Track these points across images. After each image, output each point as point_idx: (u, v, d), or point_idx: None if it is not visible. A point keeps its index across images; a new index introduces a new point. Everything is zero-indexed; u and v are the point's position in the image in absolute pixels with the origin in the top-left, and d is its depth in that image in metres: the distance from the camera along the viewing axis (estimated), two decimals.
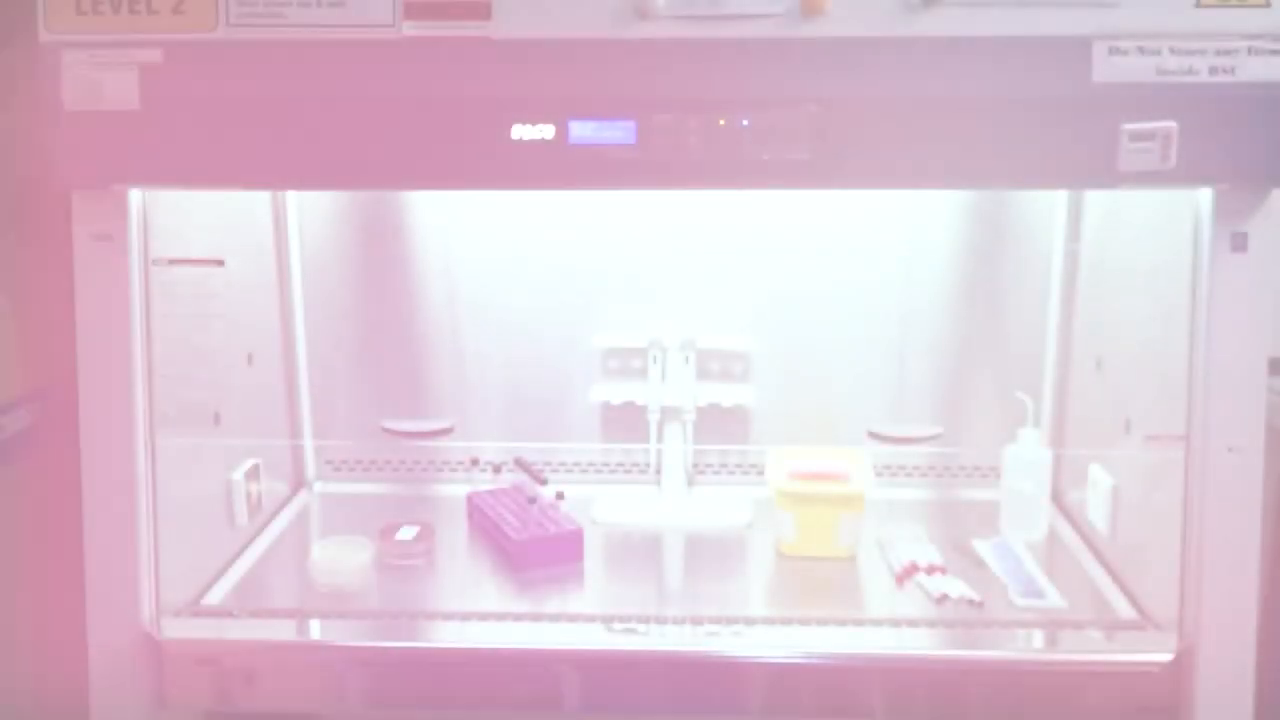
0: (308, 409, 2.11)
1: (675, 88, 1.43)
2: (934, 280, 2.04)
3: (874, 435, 2.07)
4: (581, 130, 1.43)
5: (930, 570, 1.76)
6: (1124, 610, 1.67)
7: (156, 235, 1.55)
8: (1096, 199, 1.92)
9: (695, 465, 2.09)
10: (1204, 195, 1.48)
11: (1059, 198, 1.98)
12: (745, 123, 1.43)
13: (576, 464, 2.11)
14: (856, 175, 1.48)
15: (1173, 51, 1.39)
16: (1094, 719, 1.54)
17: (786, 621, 1.63)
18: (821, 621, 1.63)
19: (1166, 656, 1.53)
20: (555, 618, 1.66)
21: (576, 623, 1.64)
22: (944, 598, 1.69)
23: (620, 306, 2.05)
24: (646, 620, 1.65)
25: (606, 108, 1.43)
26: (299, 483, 2.14)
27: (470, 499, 1.98)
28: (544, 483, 1.84)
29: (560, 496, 1.85)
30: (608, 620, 1.64)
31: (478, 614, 1.66)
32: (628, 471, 2.11)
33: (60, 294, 1.56)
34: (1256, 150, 1.42)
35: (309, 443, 2.13)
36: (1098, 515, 1.82)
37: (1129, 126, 1.40)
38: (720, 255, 2.03)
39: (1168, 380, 1.57)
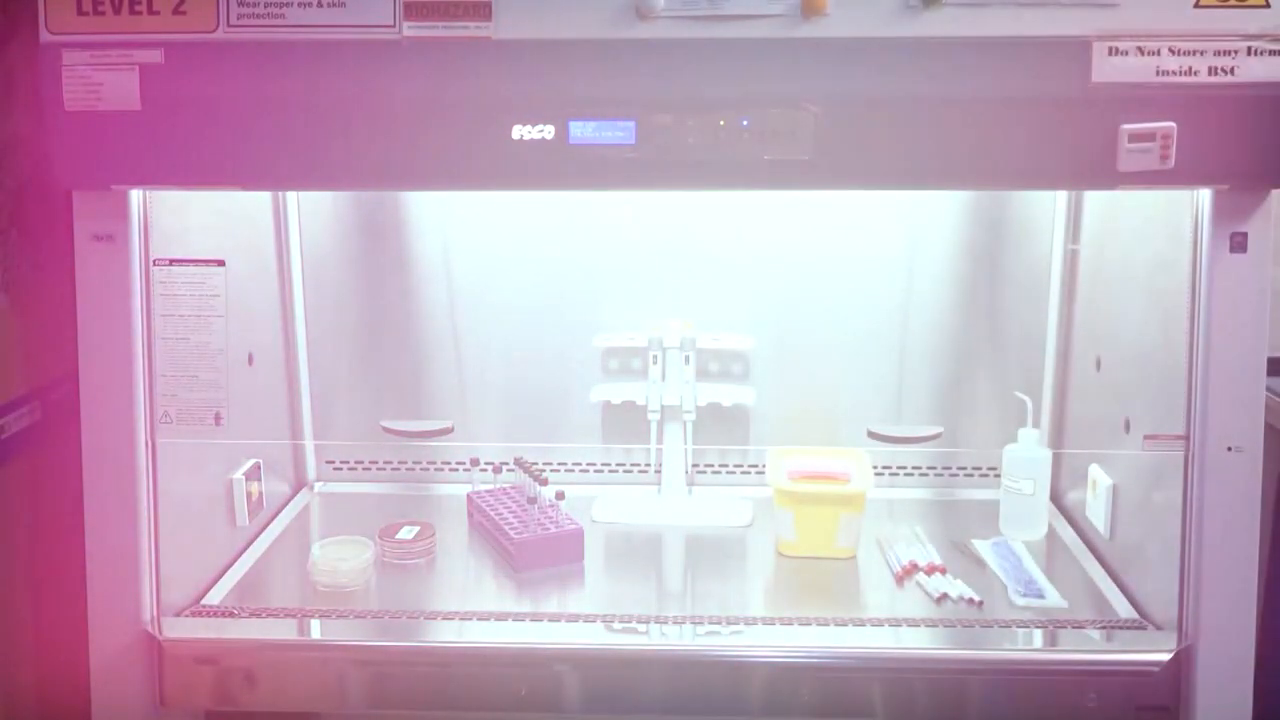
0: (308, 409, 2.11)
1: (675, 88, 1.43)
2: (934, 280, 2.04)
3: (874, 435, 2.07)
4: (581, 130, 1.43)
5: (930, 570, 1.76)
6: (1123, 610, 1.67)
7: (156, 235, 1.55)
8: (1096, 199, 1.92)
9: (695, 465, 2.09)
10: (1203, 195, 1.48)
11: (1059, 198, 1.98)
12: (745, 123, 1.43)
13: (576, 464, 2.11)
14: (856, 175, 1.48)
15: (1172, 52, 1.39)
16: (1093, 718, 1.54)
17: (786, 621, 1.63)
18: (821, 621, 1.63)
19: (1166, 656, 1.53)
20: (555, 617, 1.66)
21: (576, 622, 1.64)
22: (944, 597, 1.69)
23: (620, 306, 2.05)
24: (646, 620, 1.65)
25: (606, 108, 1.43)
26: (299, 483, 2.14)
27: (470, 499, 1.98)
28: (544, 483, 1.84)
29: (560, 496, 1.85)
30: (608, 620, 1.64)
31: (478, 614, 1.66)
32: (628, 471, 2.11)
33: (61, 294, 1.56)
34: (1256, 150, 1.42)
35: (309, 443, 2.13)
36: (1097, 515, 1.82)
37: (1128, 127, 1.40)
38: (720, 255, 2.03)
39: (1168, 380, 1.57)
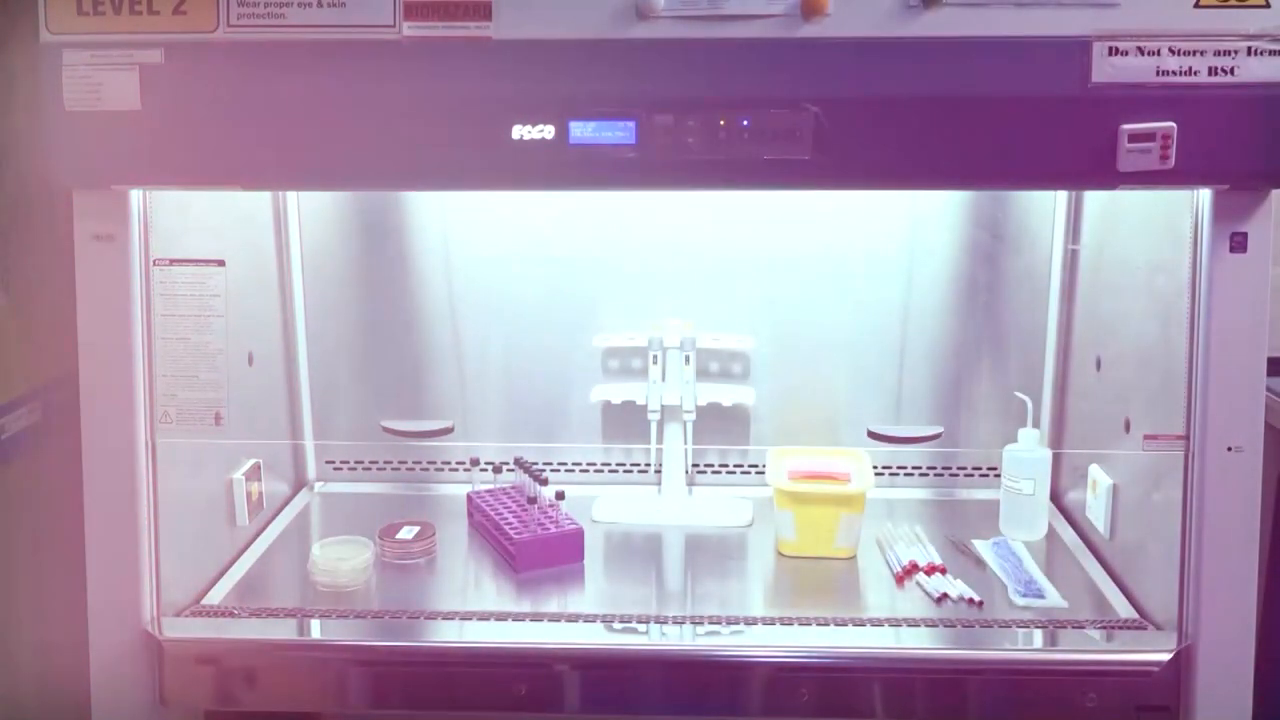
0: (308, 409, 2.11)
1: (675, 88, 1.43)
2: (934, 280, 2.04)
3: (874, 435, 2.07)
4: (581, 130, 1.43)
5: (930, 570, 1.76)
6: (1123, 610, 1.67)
7: (157, 235, 1.55)
8: (1096, 199, 1.92)
9: (695, 465, 2.09)
10: (1204, 195, 1.48)
11: (1059, 198, 1.98)
12: (745, 123, 1.43)
13: (576, 464, 2.11)
14: (856, 175, 1.48)
15: (1172, 52, 1.39)
16: (1094, 718, 1.54)
17: (787, 621, 1.63)
18: (821, 621, 1.63)
19: (1166, 656, 1.53)
20: (555, 617, 1.66)
21: (576, 622, 1.64)
22: (944, 598, 1.69)
23: (620, 306, 2.06)
24: (646, 620, 1.65)
25: (606, 108, 1.43)
26: (299, 483, 2.14)
27: (470, 499, 1.98)
28: (544, 483, 1.84)
29: (560, 496, 1.85)
30: (608, 620, 1.64)
31: (478, 614, 1.66)
32: (628, 471, 2.11)
33: (61, 294, 1.56)
34: (1256, 150, 1.42)
35: (309, 443, 2.13)
36: (1097, 515, 1.82)
37: (1128, 127, 1.40)
38: (720, 255, 2.03)
39: (1168, 380, 1.57)
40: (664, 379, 2.01)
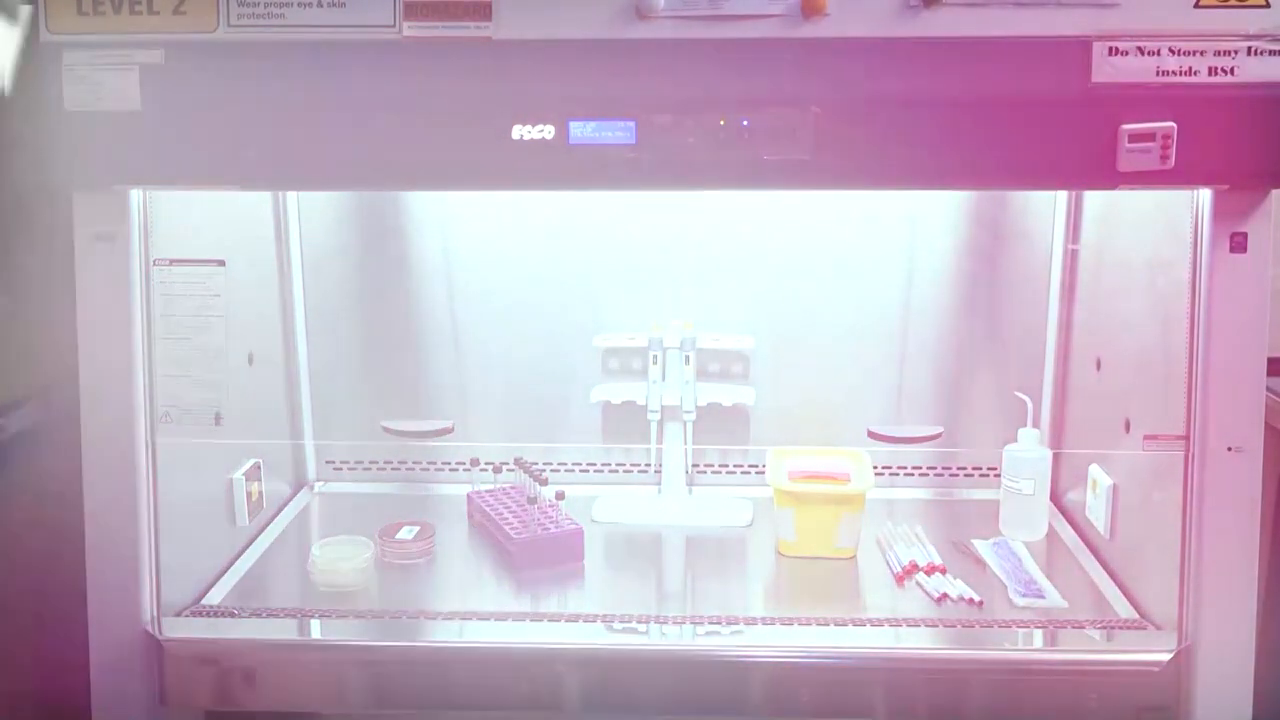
0: (308, 409, 2.12)
1: (675, 88, 1.43)
2: (934, 280, 2.04)
3: (874, 435, 2.07)
4: (581, 130, 1.43)
5: (930, 570, 1.76)
6: (1123, 610, 1.67)
7: (157, 235, 1.56)
8: (1096, 199, 1.92)
9: (695, 465, 2.09)
10: (1204, 195, 1.48)
11: (1059, 198, 1.98)
12: (745, 123, 1.43)
13: (576, 464, 2.11)
14: (856, 175, 1.48)
15: (1172, 52, 1.39)
16: (1093, 718, 1.54)
17: (786, 621, 1.63)
18: (821, 621, 1.63)
19: (1166, 656, 1.53)
20: (555, 617, 1.66)
21: (576, 622, 1.64)
22: (944, 597, 1.69)
23: (620, 306, 2.06)
24: (646, 620, 1.65)
25: (606, 108, 1.43)
26: (299, 483, 2.14)
27: (470, 499, 1.98)
28: (544, 483, 1.84)
29: (560, 496, 1.85)
30: (608, 620, 1.64)
31: (478, 614, 1.66)
32: (628, 471, 2.11)
33: (61, 294, 1.56)
34: (1256, 150, 1.42)
35: (309, 443, 2.14)
36: (1097, 515, 1.82)
37: (1128, 127, 1.40)
38: (721, 255, 2.03)
39: (1168, 380, 1.57)
40: (664, 379, 2.01)
